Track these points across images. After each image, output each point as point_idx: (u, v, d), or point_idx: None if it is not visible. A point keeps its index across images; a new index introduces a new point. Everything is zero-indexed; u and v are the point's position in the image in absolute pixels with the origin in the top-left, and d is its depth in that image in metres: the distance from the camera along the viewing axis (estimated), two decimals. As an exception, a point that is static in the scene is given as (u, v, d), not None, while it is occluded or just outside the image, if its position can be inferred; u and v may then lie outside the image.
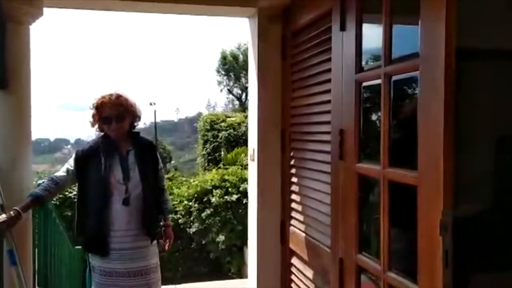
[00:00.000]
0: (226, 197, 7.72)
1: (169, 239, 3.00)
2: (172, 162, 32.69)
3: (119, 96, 2.73)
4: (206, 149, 13.67)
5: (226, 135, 13.17)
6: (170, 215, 3.39)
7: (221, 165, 10.39)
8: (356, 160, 2.21)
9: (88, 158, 2.72)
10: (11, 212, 2.54)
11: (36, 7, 3.04)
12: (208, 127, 13.80)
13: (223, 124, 13.55)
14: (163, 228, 2.97)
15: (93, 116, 2.74)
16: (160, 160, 2.99)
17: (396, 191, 1.93)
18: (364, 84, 2.19)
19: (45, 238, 3.86)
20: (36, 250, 3.65)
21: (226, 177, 8.09)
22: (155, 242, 2.82)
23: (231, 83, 24.77)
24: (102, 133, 2.79)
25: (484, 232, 1.77)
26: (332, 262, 2.45)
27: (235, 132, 13.04)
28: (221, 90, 25.27)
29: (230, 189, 7.83)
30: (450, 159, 1.58)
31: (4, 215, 2.53)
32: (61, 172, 2.78)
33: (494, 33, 1.80)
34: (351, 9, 2.27)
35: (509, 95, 1.80)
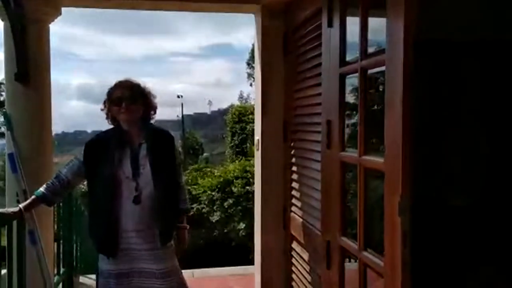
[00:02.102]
0: (247, 187, 7.94)
1: (181, 243, 2.75)
2: (205, 154, 33.21)
3: (131, 81, 2.57)
4: (234, 141, 13.91)
5: (253, 127, 13.36)
6: (188, 213, 2.93)
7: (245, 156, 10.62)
8: (340, 148, 2.36)
9: (97, 150, 2.52)
10: (14, 209, 2.48)
11: (54, 7, 3.33)
12: (236, 120, 14.02)
13: (250, 116, 13.74)
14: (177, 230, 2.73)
15: (104, 102, 2.55)
16: (179, 155, 2.80)
17: (371, 177, 2.08)
18: (347, 77, 2.33)
19: (70, 222, 4.17)
20: (61, 232, 3.95)
21: (248, 168, 8.31)
22: (172, 243, 2.62)
23: (261, 76, 24.90)
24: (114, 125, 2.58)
25: (445, 216, 1.90)
26: (321, 244, 2.61)
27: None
28: (250, 84, 25.49)
29: (251, 180, 8.05)
30: (408, 148, 1.72)
31: (7, 209, 2.52)
32: (66, 168, 2.57)
33: (457, 25, 1.90)
34: (336, 6, 2.41)
35: (468, 86, 1.91)
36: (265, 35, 3.47)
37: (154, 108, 2.66)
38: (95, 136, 2.62)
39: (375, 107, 2.12)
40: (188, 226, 2.83)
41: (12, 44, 3.09)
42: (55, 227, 3.76)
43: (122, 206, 2.45)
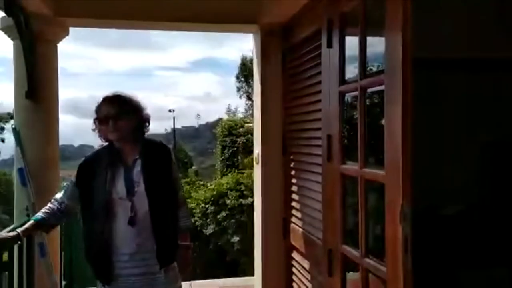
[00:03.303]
0: (241, 199, 8.05)
1: (184, 264, 2.54)
2: (193, 167, 33.21)
3: (118, 95, 2.41)
4: (224, 155, 13.99)
5: (244, 140, 13.47)
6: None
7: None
8: (341, 161, 2.51)
9: (90, 170, 2.38)
10: (12, 233, 2.35)
11: (62, 28, 3.46)
12: (226, 133, 14.12)
13: (241, 129, 13.86)
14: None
15: (94, 120, 2.39)
16: (176, 169, 2.60)
17: (371, 188, 2.23)
18: (347, 95, 2.49)
19: (70, 236, 4.26)
20: (63, 245, 4.03)
21: (241, 180, 8.42)
22: (174, 265, 2.44)
23: (250, 89, 25.17)
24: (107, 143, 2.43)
25: (445, 224, 2.05)
26: (323, 253, 2.75)
27: (253, 137, 13.33)
28: (240, 97, 25.71)
29: (245, 192, 8.16)
30: (407, 160, 1.87)
31: (6, 234, 2.41)
32: (61, 192, 2.46)
33: (452, 43, 2.08)
34: (335, 28, 2.58)
35: (465, 102, 2.08)
36: (264, 53, 3.63)
37: (146, 120, 2.48)
38: (88, 156, 2.49)
39: (375, 122, 2.28)
40: (191, 245, 2.63)
41: (22, 63, 3.21)
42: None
43: (116, 228, 2.28)
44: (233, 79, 26.09)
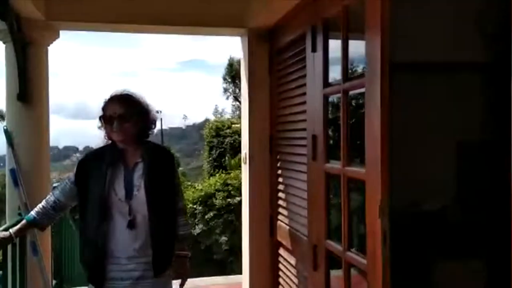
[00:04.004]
0: (228, 199, 8.16)
1: (181, 273, 2.46)
2: (180, 168, 33.16)
3: (127, 94, 2.34)
4: (212, 155, 14.07)
5: (231, 141, 13.58)
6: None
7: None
8: (325, 160, 2.63)
9: (89, 169, 2.32)
10: (5, 233, 2.35)
11: (53, 31, 3.53)
12: (214, 134, 14.21)
13: (228, 130, 13.96)
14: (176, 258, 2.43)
15: (100, 118, 2.32)
16: (178, 175, 2.55)
17: (353, 186, 2.35)
18: (330, 97, 2.61)
19: (61, 236, 4.32)
20: (53, 245, 4.09)
21: (228, 181, 8.53)
22: (169, 272, 2.39)
23: (237, 90, 25.28)
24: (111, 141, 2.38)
25: (422, 219, 2.18)
26: (308, 248, 2.86)
27: (240, 138, 13.44)
28: (227, 98, 25.80)
29: (232, 192, 8.27)
30: (385, 159, 1.99)
31: None
32: (58, 189, 2.41)
33: (430, 47, 2.21)
34: (319, 33, 2.70)
35: (441, 103, 2.21)
36: (252, 56, 3.74)
37: (152, 122, 2.44)
38: (89, 153, 2.44)
39: (357, 123, 2.40)
40: (189, 254, 2.52)
41: (13, 65, 3.27)
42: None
43: (114, 231, 2.24)
44: (220, 80, 26.17)
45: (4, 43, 3.30)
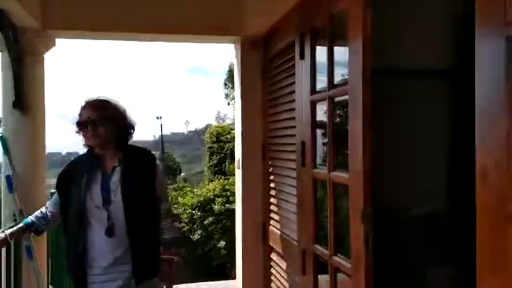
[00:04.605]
0: (227, 205, 8.19)
1: (166, 279, 2.39)
2: (182, 174, 33.19)
3: (100, 100, 2.31)
4: (212, 161, 14.11)
5: (232, 146, 13.62)
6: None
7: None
8: (313, 166, 2.68)
9: (68, 178, 2.31)
10: (2, 235, 2.36)
11: (49, 39, 3.59)
12: (214, 139, 14.25)
13: (228, 136, 14.00)
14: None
15: (76, 124, 2.29)
16: (162, 177, 2.49)
17: (339, 191, 2.39)
18: (317, 104, 2.66)
19: (58, 242, 4.35)
20: (50, 251, 4.13)
21: (227, 187, 8.57)
22: (156, 280, 2.31)
23: (238, 96, 25.24)
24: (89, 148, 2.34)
25: (405, 224, 2.22)
26: (298, 253, 2.90)
27: (240, 144, 13.46)
28: (228, 103, 25.83)
29: (231, 198, 8.31)
30: (367, 164, 2.04)
31: None
32: (50, 200, 2.44)
33: (413, 54, 2.25)
34: (307, 41, 2.76)
35: (424, 110, 2.26)
36: (245, 63, 3.80)
37: (130, 127, 2.38)
38: (69, 163, 2.42)
39: (342, 129, 2.44)
40: (175, 258, 2.44)
41: (9, 73, 3.33)
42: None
43: (93, 239, 2.19)
44: (222, 85, 26.22)
45: (0, 51, 3.36)
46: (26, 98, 3.38)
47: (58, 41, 3.71)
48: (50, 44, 3.59)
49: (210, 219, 8.17)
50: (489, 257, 1.26)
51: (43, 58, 3.59)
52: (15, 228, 2.40)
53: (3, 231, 2.46)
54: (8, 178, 3.34)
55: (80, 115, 2.27)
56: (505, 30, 1.12)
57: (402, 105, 2.27)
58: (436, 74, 2.21)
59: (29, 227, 2.36)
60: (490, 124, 1.16)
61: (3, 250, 2.84)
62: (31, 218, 2.38)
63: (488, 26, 1.18)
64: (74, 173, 2.30)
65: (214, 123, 26.11)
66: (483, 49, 1.20)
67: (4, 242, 2.37)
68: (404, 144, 2.48)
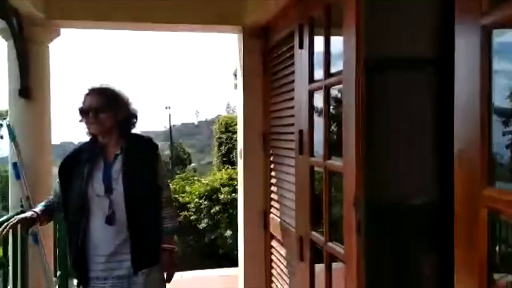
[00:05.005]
0: (233, 194, 8.26)
1: (165, 268, 2.40)
2: (192, 164, 33.38)
3: (102, 88, 2.32)
4: (221, 151, 14.18)
5: (240, 136, 13.65)
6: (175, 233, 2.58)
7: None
8: (310, 154, 2.72)
9: (70, 166, 2.31)
10: (32, 214, 2.30)
11: (53, 29, 3.64)
12: (223, 130, 14.30)
13: (236, 126, 14.01)
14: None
15: (79, 112, 2.32)
16: (163, 166, 2.51)
17: (334, 179, 2.43)
18: (315, 93, 2.69)
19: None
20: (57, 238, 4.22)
21: (234, 176, 8.63)
22: (157, 268, 2.32)
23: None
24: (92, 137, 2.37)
25: (395, 211, 2.24)
26: (296, 240, 2.95)
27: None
28: (237, 94, 25.86)
29: (237, 187, 8.37)
30: (360, 152, 2.07)
31: (26, 214, 2.33)
32: (53, 190, 2.47)
33: (406, 43, 2.24)
34: (306, 31, 2.78)
35: (416, 100, 2.26)
36: (247, 53, 3.83)
37: (132, 114, 2.39)
38: (71, 151, 2.42)
39: (338, 118, 2.47)
40: (174, 248, 2.47)
41: (15, 62, 3.40)
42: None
43: (94, 227, 2.20)
44: (232, 76, 26.23)
45: (5, 40, 3.43)
46: (32, 87, 3.45)
47: (65, 31, 3.78)
48: (54, 34, 3.65)
49: (217, 208, 8.24)
50: (465, 236, 1.30)
51: (48, 47, 3.66)
52: (38, 207, 2.36)
53: (8, 219, 2.40)
54: (15, 165, 3.41)
55: (83, 102, 2.29)
56: (481, 19, 1.14)
57: (391, 94, 2.27)
58: (426, 62, 2.21)
59: (46, 209, 2.35)
60: (466, 110, 1.19)
61: (10, 236, 2.92)
62: (43, 204, 2.38)
63: (466, 15, 1.20)
64: (76, 161, 2.31)
65: (224, 114, 26.17)
66: (461, 38, 1.22)
67: (37, 218, 2.30)
68: (392, 132, 2.48)
